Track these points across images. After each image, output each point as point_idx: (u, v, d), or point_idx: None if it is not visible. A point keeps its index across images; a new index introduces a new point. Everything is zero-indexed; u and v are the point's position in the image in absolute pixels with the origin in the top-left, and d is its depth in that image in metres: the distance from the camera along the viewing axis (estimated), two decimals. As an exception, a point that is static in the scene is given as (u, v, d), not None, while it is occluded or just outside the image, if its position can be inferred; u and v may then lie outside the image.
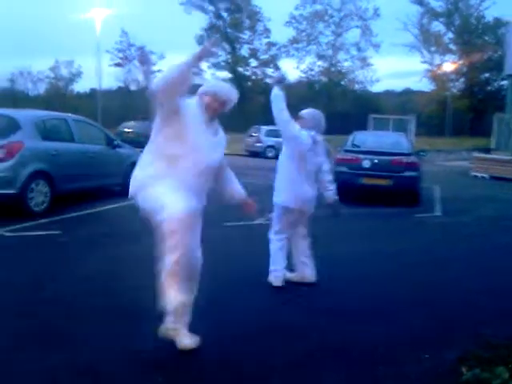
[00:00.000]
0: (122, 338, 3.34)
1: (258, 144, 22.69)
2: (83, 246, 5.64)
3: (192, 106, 3.22)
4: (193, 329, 3.17)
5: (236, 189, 3.58)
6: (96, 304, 3.90)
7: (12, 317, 3.62)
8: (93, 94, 41.12)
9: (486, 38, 45.64)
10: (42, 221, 6.72)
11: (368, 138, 11.18)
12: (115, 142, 9.28)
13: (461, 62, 44.66)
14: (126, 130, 23.21)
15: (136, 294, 4.12)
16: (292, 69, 74.99)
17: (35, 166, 7.08)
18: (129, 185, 3.29)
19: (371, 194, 9.69)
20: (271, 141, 22.35)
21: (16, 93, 47.18)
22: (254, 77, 51.30)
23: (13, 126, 7.15)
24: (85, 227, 6.59)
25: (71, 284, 4.36)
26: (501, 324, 3.84)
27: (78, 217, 7.19)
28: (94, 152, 8.59)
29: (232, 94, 3.30)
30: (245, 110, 47.45)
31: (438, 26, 48.98)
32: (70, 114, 8.98)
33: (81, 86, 61.03)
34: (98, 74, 27.76)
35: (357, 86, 51.11)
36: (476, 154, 17.74)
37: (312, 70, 50.92)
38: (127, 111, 39.68)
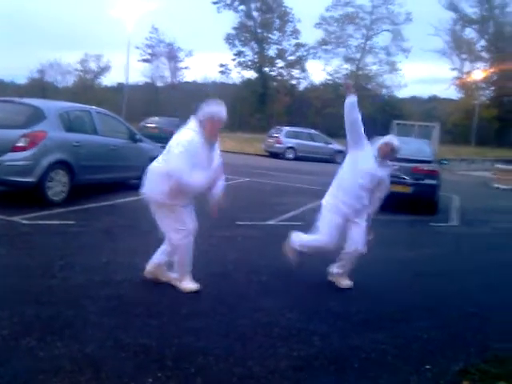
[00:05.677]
0: (128, 331, 3.37)
1: (278, 145, 22.66)
2: (96, 236, 5.71)
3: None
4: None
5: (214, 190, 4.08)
6: (103, 295, 3.95)
7: (20, 303, 3.68)
8: (120, 88, 41.65)
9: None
10: (59, 210, 6.82)
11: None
12: (137, 137, 9.37)
13: (492, 70, 43.85)
14: (150, 125, 23.39)
15: (145, 286, 4.18)
16: (318, 71, 74.84)
17: (56, 156, 7.18)
18: None
19: (390, 201, 9.56)
20: (291, 142, 22.39)
21: (45, 84, 48.14)
22: (279, 77, 51.25)
23: (38, 116, 7.27)
24: (100, 218, 6.67)
25: (80, 274, 4.41)
26: (509, 339, 3.77)
27: (94, 208, 7.28)
28: (115, 145, 8.69)
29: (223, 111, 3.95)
30: (269, 111, 47.52)
31: (470, 33, 48.25)
32: (93, 107, 9.10)
33: (109, 80, 61.84)
34: (126, 69, 28.06)
35: (384, 91, 50.70)
36: (499, 166, 17.38)
37: (338, 72, 50.69)
38: (152, 106, 40.14)
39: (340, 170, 4.74)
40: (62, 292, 3.97)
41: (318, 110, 46.14)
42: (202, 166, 3.90)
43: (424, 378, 3.04)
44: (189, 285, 4.17)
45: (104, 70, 51.94)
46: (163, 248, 4.24)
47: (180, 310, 3.83)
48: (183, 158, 3.79)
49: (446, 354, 3.42)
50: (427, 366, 3.17)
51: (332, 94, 48.14)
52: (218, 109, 3.95)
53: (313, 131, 24.38)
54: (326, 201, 4.69)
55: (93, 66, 51.91)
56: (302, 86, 53.33)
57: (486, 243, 7.52)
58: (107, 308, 3.73)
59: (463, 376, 2.93)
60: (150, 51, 50.94)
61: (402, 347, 3.50)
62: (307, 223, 7.31)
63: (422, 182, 9.26)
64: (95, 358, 2.97)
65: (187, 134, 3.92)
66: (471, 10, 46.96)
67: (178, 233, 4.03)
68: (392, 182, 9.21)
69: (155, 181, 3.99)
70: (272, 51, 50.83)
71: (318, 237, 4.62)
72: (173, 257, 4.18)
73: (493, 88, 46.70)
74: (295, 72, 51.46)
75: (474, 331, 3.90)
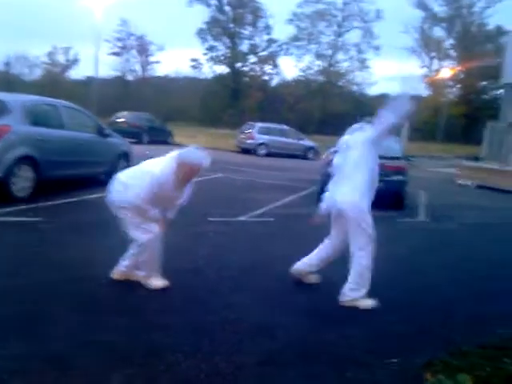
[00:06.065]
0: (95, 329, 3.32)
1: (250, 141, 22.59)
2: (63, 233, 5.59)
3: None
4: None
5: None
6: (70, 292, 3.88)
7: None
8: (89, 81, 40.82)
9: (487, 45, 45.80)
10: (25, 206, 6.64)
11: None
12: (105, 131, 9.23)
13: (459, 68, 44.81)
14: (120, 119, 23.07)
15: (109, 284, 4.12)
16: (290, 67, 75.20)
17: (21, 150, 7.00)
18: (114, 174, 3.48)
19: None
20: (263, 138, 22.34)
21: (11, 77, 46.79)
22: (252, 73, 51.15)
23: (1, 110, 7.06)
24: (67, 215, 6.54)
25: (45, 271, 4.33)
26: (474, 332, 3.86)
27: (61, 204, 7.13)
28: (83, 139, 8.54)
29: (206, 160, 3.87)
30: (241, 106, 47.40)
31: (438, 32, 49.22)
32: (60, 100, 8.90)
33: (78, 74, 60.55)
34: (96, 62, 27.50)
35: (355, 88, 51.22)
36: (463, 162, 17.77)
37: (310, 69, 50.96)
38: (123, 101, 39.52)
39: (363, 164, 4.26)
40: (27, 290, 3.87)
41: (291, 106, 46.30)
42: (166, 202, 4.04)
43: (390, 371, 3.09)
44: (157, 282, 4.13)
45: (72, 63, 50.80)
46: (129, 253, 4.18)
47: (149, 306, 3.80)
48: (148, 191, 3.82)
49: (412, 348, 3.48)
50: (393, 360, 3.22)
51: (304, 90, 48.39)
52: (201, 158, 3.88)
53: (285, 127, 24.41)
54: (365, 204, 4.45)
55: (61, 58, 50.74)
56: (275, 81, 53.44)
57: (451, 238, 7.68)
58: (73, 305, 3.66)
59: (426, 369, 2.99)
60: (119, 44, 50.14)
61: (369, 341, 3.54)
62: (276, 219, 7.45)
63: (390, 178, 9.39)
64: (61, 357, 2.91)
65: (163, 167, 3.88)
66: (440, 9, 47.98)
67: (145, 232, 3.99)
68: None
69: (120, 192, 3.97)
70: (244, 46, 50.71)
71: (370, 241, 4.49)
72: (139, 257, 4.12)
73: (460, 86, 47.75)
74: (267, 68, 51.48)
75: (439, 325, 3.97)
